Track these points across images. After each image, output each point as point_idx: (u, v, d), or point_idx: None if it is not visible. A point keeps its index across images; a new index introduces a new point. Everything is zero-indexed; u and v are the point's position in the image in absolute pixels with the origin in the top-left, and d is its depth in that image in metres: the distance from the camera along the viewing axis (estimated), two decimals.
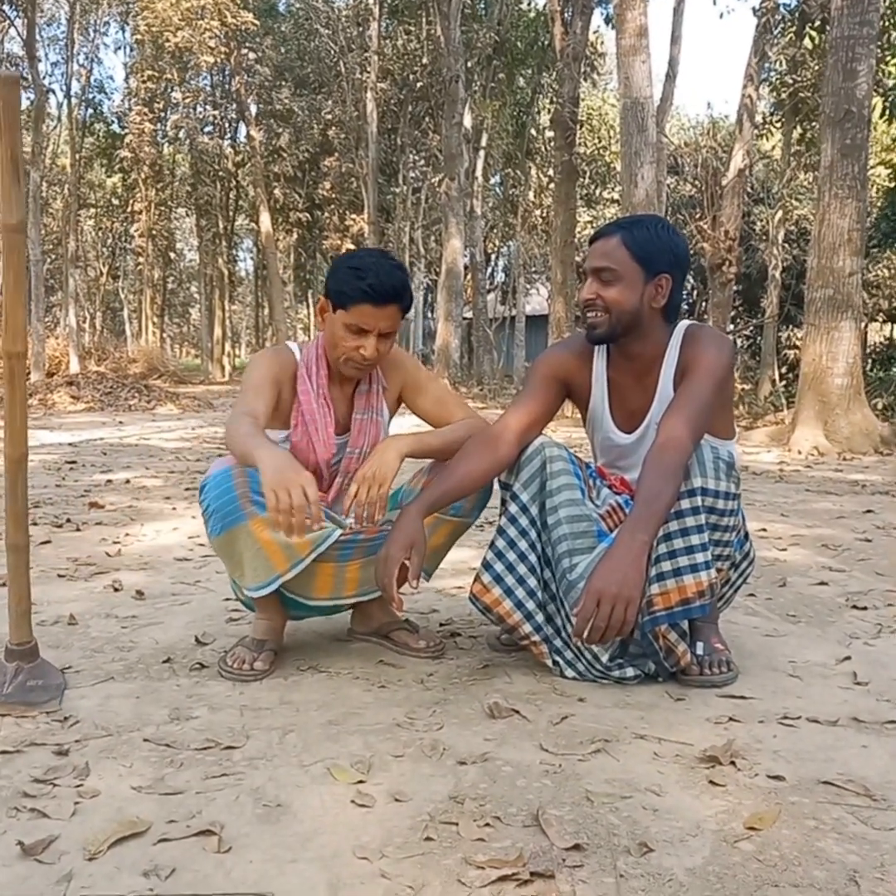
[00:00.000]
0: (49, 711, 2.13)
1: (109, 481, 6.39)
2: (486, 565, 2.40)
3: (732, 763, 1.88)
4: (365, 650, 2.64)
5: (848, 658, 2.59)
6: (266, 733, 2.04)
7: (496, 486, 2.49)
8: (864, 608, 3.15)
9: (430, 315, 36.38)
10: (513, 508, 2.40)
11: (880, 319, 23.53)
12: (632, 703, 2.24)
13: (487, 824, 1.63)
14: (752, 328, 18.60)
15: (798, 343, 18.67)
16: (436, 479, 2.38)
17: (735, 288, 16.96)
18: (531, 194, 29.32)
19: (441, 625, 2.91)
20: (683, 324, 2.42)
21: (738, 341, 20.95)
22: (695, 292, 21.85)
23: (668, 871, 1.49)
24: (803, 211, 21.57)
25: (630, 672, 2.35)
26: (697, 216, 15.54)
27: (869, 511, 5.28)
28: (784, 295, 18.48)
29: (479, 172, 26.58)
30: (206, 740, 1.99)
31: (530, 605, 2.37)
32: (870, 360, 17.22)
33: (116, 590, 3.30)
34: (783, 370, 18.94)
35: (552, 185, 20.97)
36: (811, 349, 9.41)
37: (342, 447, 2.53)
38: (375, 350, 2.38)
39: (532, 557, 2.38)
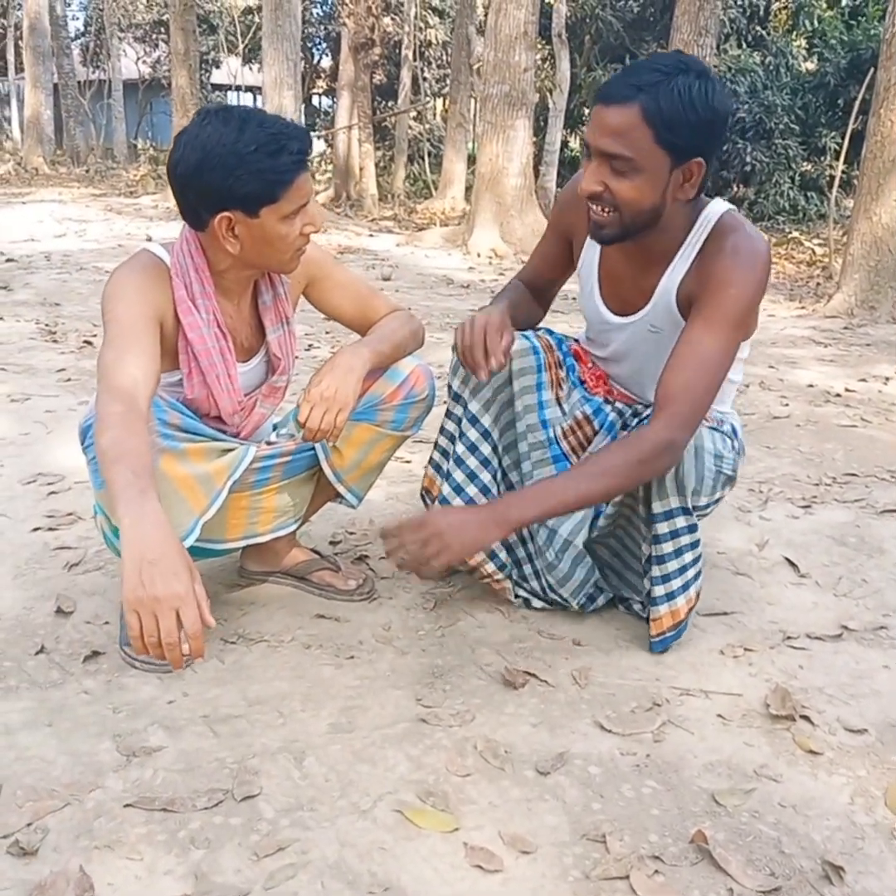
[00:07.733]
0: None
1: None
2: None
3: (805, 718, 1.76)
4: (280, 599, 2.17)
5: (767, 541, 2.56)
6: (271, 762, 1.60)
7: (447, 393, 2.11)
8: None
9: None
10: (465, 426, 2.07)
11: None
12: (628, 640, 2.04)
13: (656, 872, 1.38)
14: (390, 117, 18.06)
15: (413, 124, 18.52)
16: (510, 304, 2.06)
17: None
18: None
19: (331, 544, 2.49)
20: (714, 209, 1.83)
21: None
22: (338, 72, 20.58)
23: None
24: None
25: (601, 600, 2.14)
26: None
27: None
28: (419, 76, 18.06)
29: None
30: (208, 791, 1.52)
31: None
32: None
33: None
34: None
35: None
36: (488, 149, 9.25)
37: (252, 373, 1.98)
38: (315, 215, 1.80)
39: (494, 490, 2.06)
